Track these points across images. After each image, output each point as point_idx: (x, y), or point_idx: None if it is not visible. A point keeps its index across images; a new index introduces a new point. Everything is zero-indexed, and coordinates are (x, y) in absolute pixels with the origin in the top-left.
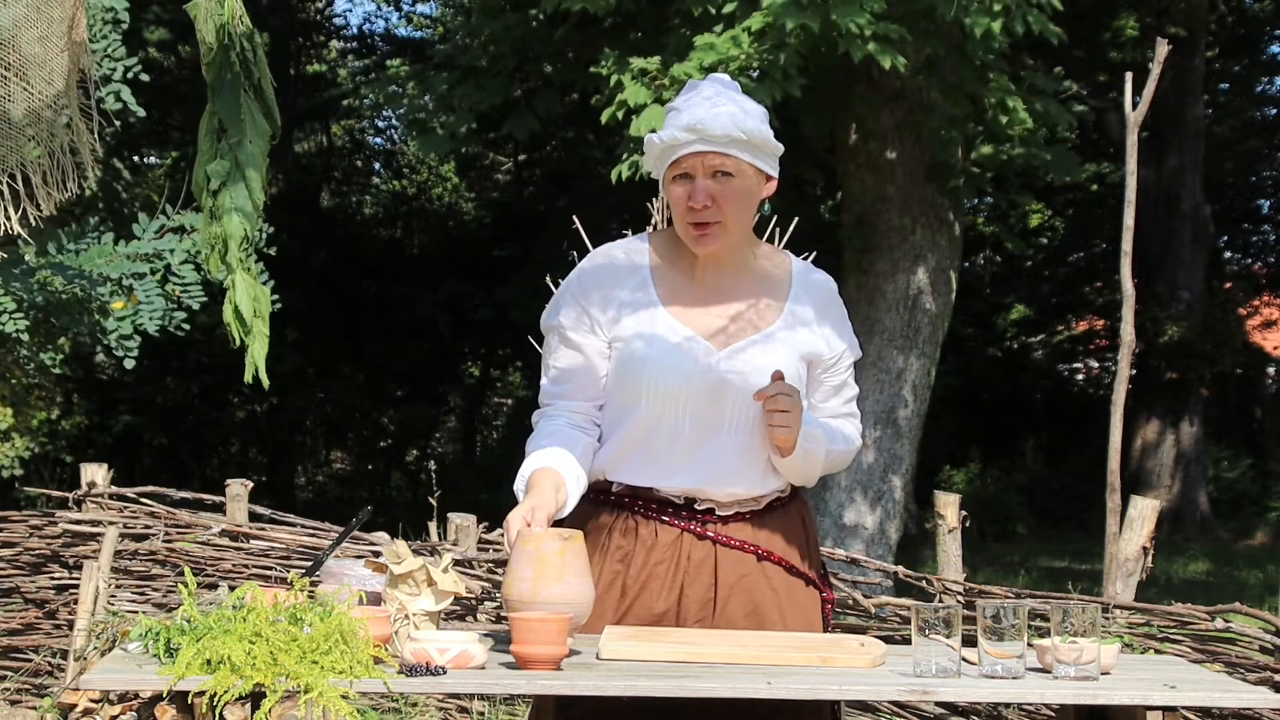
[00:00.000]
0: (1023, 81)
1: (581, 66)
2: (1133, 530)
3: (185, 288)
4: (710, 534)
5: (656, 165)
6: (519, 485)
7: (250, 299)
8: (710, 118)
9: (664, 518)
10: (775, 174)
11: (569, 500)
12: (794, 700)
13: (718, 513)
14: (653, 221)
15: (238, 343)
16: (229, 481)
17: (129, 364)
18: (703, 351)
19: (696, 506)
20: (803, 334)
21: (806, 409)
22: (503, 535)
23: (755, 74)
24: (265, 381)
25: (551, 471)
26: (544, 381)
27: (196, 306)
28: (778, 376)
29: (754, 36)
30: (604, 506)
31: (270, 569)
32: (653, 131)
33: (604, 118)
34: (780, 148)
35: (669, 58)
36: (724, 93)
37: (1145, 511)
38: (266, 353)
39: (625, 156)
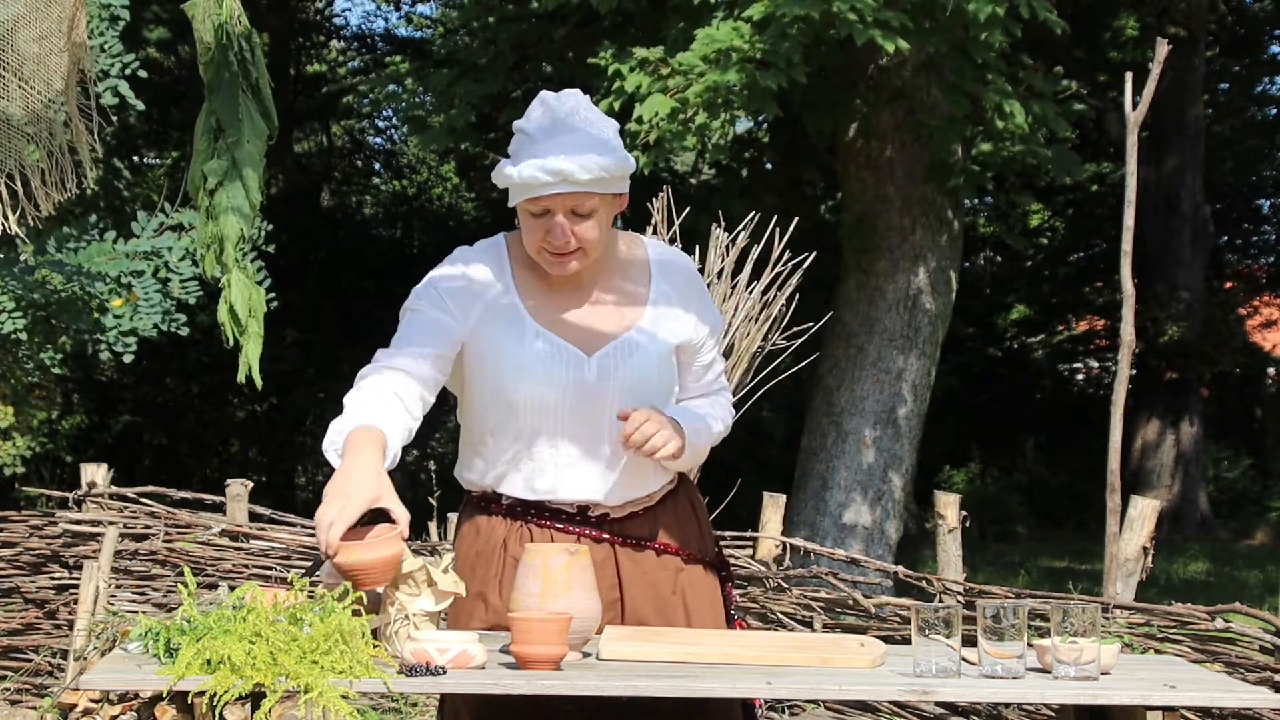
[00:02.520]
0: (1021, 83)
1: (580, 65)
2: (1133, 530)
3: (182, 284)
4: (607, 536)
5: (511, 192)
6: (337, 442)
7: (245, 299)
8: (575, 161)
9: (559, 525)
10: (626, 190)
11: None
12: (702, 700)
13: (612, 515)
14: (652, 221)
15: (232, 342)
16: (229, 481)
17: (128, 359)
18: (573, 360)
19: (590, 514)
20: (669, 325)
21: (677, 393)
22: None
23: (758, 65)
24: (258, 382)
25: (374, 431)
26: (382, 350)
27: (193, 301)
28: (623, 417)
29: (755, 26)
30: (495, 515)
31: (270, 569)
32: (664, 135)
33: (599, 108)
34: (631, 164)
35: (669, 50)
36: (582, 124)
37: (1145, 511)
38: (260, 352)
39: None
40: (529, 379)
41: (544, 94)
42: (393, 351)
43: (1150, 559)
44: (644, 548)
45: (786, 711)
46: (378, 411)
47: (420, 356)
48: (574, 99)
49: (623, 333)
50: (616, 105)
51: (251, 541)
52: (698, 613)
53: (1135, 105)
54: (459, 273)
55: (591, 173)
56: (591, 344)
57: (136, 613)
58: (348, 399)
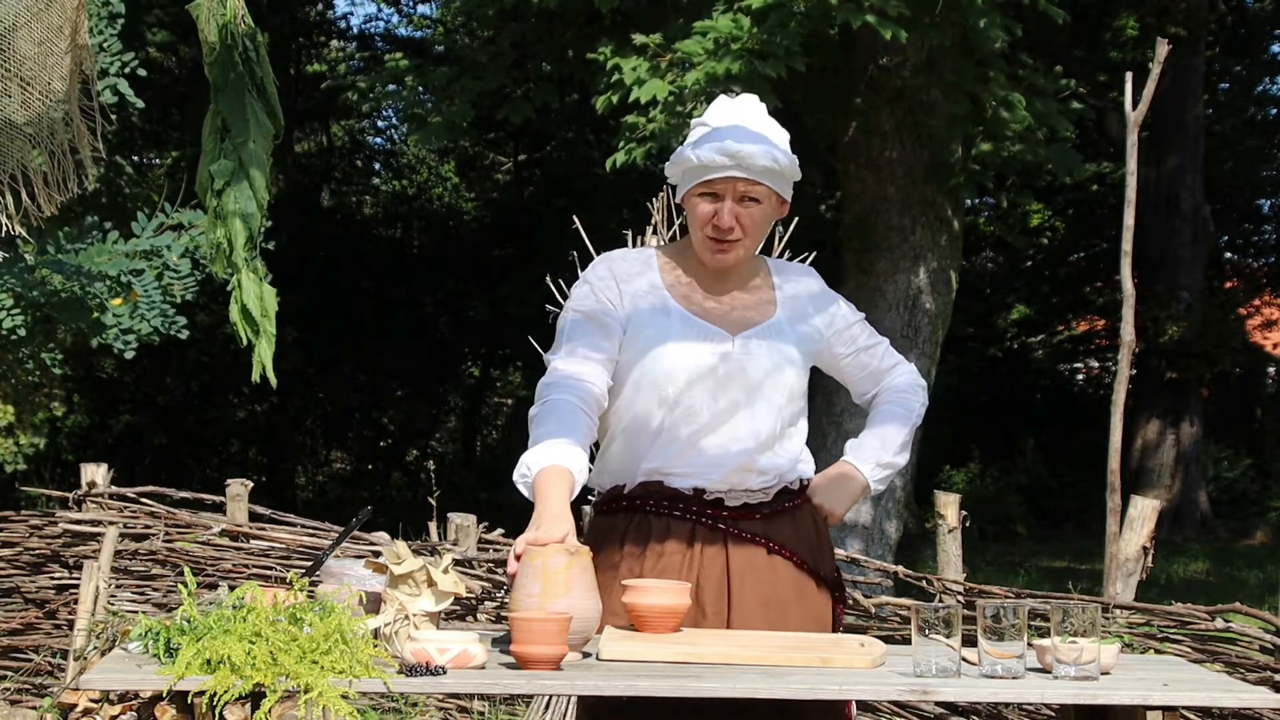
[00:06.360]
0: (1021, 82)
1: (580, 63)
2: (1133, 530)
3: (181, 280)
4: (721, 526)
5: (684, 178)
6: (528, 476)
7: (256, 298)
8: (751, 147)
9: (675, 512)
10: (789, 198)
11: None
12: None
13: (726, 503)
14: (652, 221)
15: (245, 342)
16: (229, 481)
17: (129, 355)
18: (718, 336)
19: (706, 498)
20: (803, 317)
21: (860, 391)
22: (503, 535)
23: (757, 56)
24: (273, 380)
25: (563, 472)
26: (556, 358)
27: (189, 298)
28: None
29: (754, 19)
30: (616, 514)
31: (270, 569)
32: (662, 127)
33: (599, 104)
34: (799, 173)
35: (668, 41)
36: (759, 118)
37: (1145, 511)
38: (273, 351)
39: (622, 145)
40: (673, 350)
41: (722, 97)
42: (568, 359)
43: (1150, 559)
44: (756, 543)
45: None
46: (564, 444)
47: (593, 360)
48: (752, 102)
49: (765, 320)
50: (615, 99)
51: (251, 541)
52: (804, 622)
53: (1135, 105)
54: (608, 270)
55: (763, 161)
56: (737, 327)
57: (136, 613)
58: (534, 419)
